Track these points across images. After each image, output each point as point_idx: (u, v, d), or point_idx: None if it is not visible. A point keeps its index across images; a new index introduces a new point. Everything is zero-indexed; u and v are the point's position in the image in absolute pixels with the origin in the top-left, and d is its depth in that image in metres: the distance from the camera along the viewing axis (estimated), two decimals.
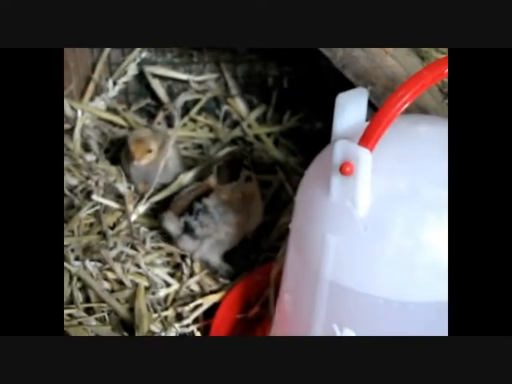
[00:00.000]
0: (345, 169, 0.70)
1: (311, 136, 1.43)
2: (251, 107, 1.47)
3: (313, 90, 1.43)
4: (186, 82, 1.45)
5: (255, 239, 1.20)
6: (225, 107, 1.45)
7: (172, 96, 1.46)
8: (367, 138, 0.71)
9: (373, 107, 0.96)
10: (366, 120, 0.83)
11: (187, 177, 1.29)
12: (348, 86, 1.03)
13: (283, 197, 1.27)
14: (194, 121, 1.46)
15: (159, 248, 1.18)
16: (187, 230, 1.13)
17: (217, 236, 1.13)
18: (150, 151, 1.23)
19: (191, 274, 1.14)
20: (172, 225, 1.14)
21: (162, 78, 1.46)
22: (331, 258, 0.75)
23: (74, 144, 1.35)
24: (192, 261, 1.15)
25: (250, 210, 1.16)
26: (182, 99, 1.41)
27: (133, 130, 1.34)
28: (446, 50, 0.95)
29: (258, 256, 1.17)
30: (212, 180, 1.16)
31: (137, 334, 1.02)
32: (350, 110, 0.82)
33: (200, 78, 1.46)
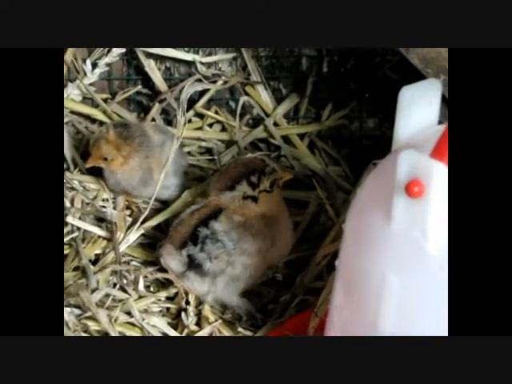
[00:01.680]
0: (412, 189, 0.73)
1: (360, 139, 1.46)
2: (279, 99, 1.49)
3: (362, 78, 1.45)
4: (191, 63, 1.47)
5: (285, 278, 1.23)
6: (243, 98, 1.46)
7: (171, 83, 1.47)
8: (442, 149, 0.74)
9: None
10: (440, 122, 0.86)
11: (192, 193, 1.31)
12: (413, 74, 1.05)
13: (322, 221, 1.30)
14: (200, 116, 1.48)
15: (157, 290, 1.21)
16: (192, 265, 1.15)
17: (232, 272, 1.15)
18: (105, 159, 1.27)
19: (199, 323, 1.16)
20: (172, 261, 1.16)
21: (159, 59, 1.48)
22: (393, 307, 0.78)
23: None
24: (200, 308, 1.17)
25: (275, 234, 1.18)
26: (185, 88, 1.42)
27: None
28: None
29: (290, 301, 1.18)
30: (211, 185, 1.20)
31: None
32: (418, 109, 0.84)
33: (209, 59, 1.46)
